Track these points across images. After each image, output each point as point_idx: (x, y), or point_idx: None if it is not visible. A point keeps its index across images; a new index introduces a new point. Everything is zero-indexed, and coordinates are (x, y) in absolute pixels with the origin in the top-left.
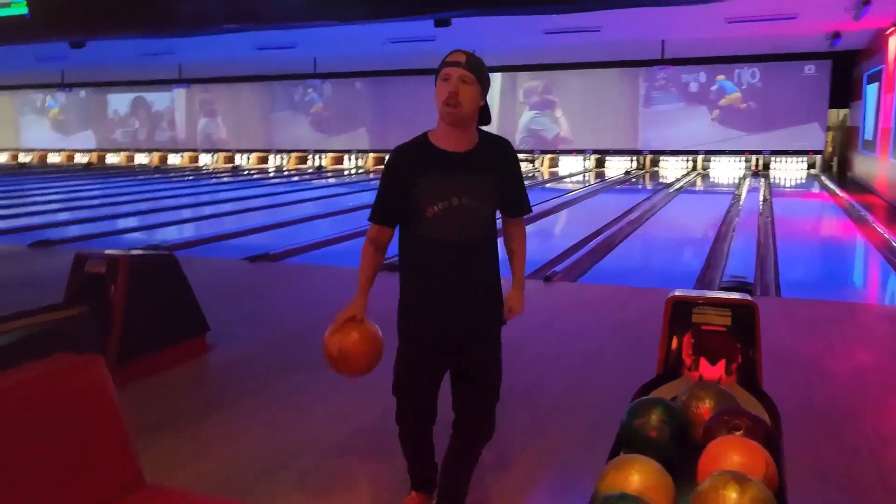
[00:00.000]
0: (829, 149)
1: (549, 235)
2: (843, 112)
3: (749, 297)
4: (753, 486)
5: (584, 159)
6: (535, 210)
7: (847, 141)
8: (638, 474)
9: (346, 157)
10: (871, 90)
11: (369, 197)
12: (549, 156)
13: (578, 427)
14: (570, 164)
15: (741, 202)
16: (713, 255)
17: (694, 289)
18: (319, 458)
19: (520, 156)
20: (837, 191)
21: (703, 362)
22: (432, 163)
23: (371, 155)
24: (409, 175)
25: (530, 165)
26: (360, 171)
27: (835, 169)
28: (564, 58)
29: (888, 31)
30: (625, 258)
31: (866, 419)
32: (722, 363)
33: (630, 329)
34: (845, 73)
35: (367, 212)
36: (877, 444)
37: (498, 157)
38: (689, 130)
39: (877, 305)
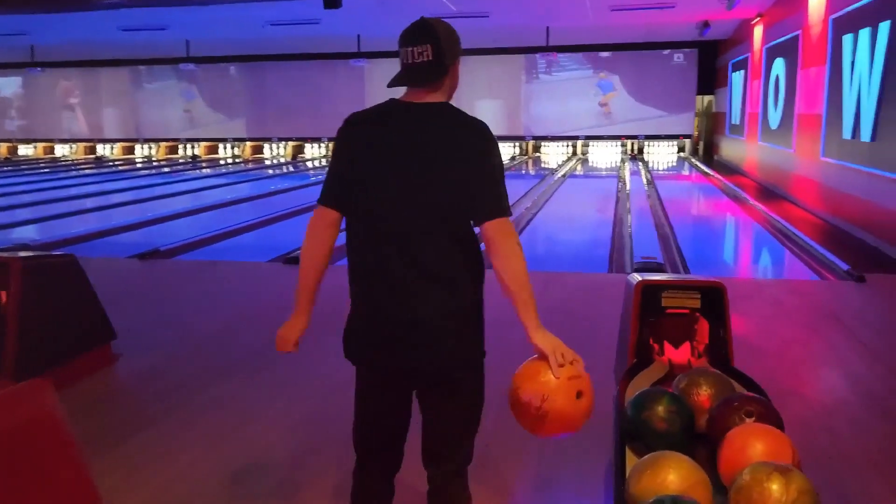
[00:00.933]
0: (696, 133)
1: None
2: (707, 98)
3: (716, 279)
4: (797, 477)
5: None
6: None
7: (713, 126)
8: (674, 473)
9: (221, 145)
10: (737, 78)
11: (249, 188)
12: None
13: None
14: None
15: (628, 185)
16: (616, 238)
17: (609, 272)
18: (275, 473)
19: None
20: (711, 172)
21: (668, 346)
22: None
23: (248, 143)
24: None
25: None
26: (238, 160)
27: (701, 152)
28: None
29: (753, 22)
30: (530, 244)
31: (809, 393)
32: (686, 345)
33: (559, 314)
34: (710, 61)
35: (255, 204)
36: (825, 417)
37: None
38: (570, 116)
39: (780, 280)
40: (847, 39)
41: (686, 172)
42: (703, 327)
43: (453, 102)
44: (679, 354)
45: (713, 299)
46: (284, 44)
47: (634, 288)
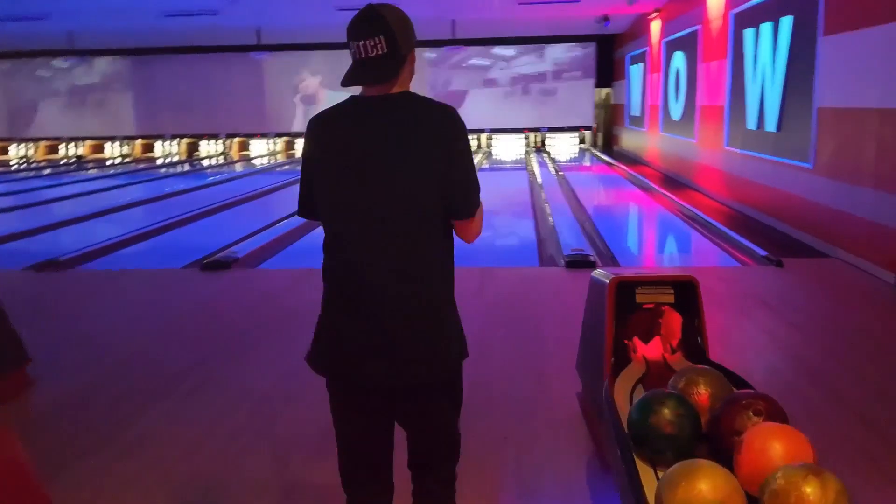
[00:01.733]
0: (596, 125)
1: None
2: (605, 91)
3: (687, 273)
4: (831, 478)
5: None
6: None
7: (611, 117)
8: (708, 483)
9: (108, 144)
10: (636, 71)
11: (143, 190)
12: None
13: (505, 422)
14: None
15: (539, 178)
16: (540, 230)
17: (540, 266)
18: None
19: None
20: (614, 163)
21: (638, 342)
22: None
23: (138, 141)
24: None
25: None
26: (127, 159)
27: (601, 143)
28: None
29: (651, 17)
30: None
31: (760, 380)
32: (657, 341)
33: (502, 309)
34: (608, 54)
35: (152, 207)
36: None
37: None
38: (474, 110)
39: (705, 267)
40: (748, 34)
41: (589, 163)
42: (673, 321)
43: None
44: (651, 350)
45: (685, 293)
46: (178, 36)
47: (608, 286)
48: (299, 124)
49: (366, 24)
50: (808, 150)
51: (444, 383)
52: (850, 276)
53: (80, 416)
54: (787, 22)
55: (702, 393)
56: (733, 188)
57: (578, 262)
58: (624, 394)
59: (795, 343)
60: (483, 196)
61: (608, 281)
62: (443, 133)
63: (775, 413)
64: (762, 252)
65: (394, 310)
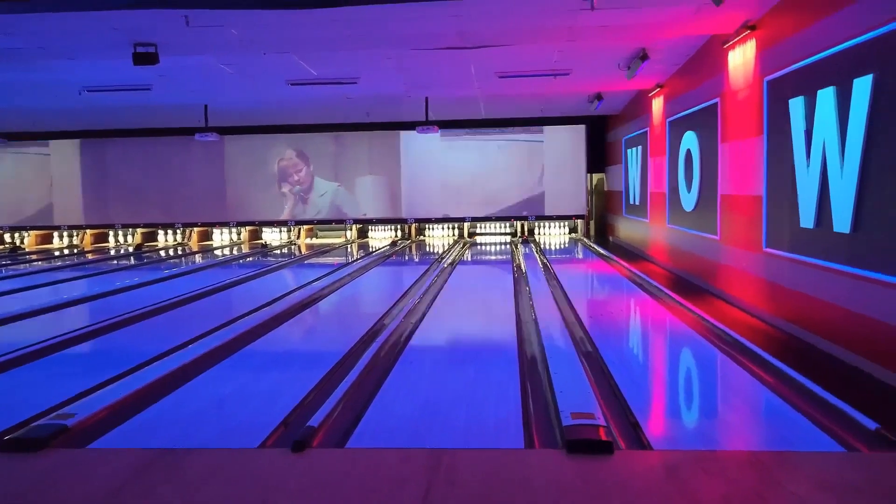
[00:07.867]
0: (588, 213)
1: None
2: (597, 177)
3: None
4: None
5: (346, 229)
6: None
7: (606, 205)
8: None
9: (55, 234)
10: (633, 154)
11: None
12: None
13: None
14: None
15: (525, 275)
16: (526, 371)
17: (526, 441)
18: None
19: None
20: (612, 257)
21: None
22: None
23: (88, 232)
24: None
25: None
26: (76, 251)
27: (594, 233)
28: (313, 118)
29: (651, 94)
30: (404, 389)
31: None
32: None
33: None
34: (599, 138)
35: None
36: None
37: None
38: (453, 197)
39: (780, 453)
40: (796, 104)
41: (581, 256)
42: None
43: None
44: None
45: None
46: (121, 115)
47: None
48: (263, 212)
49: None
50: None
51: None
52: None
53: None
54: (863, 85)
55: None
56: (778, 302)
57: (584, 446)
58: None
59: None
60: (454, 313)
61: None
62: None
63: None
64: (869, 423)
65: None
